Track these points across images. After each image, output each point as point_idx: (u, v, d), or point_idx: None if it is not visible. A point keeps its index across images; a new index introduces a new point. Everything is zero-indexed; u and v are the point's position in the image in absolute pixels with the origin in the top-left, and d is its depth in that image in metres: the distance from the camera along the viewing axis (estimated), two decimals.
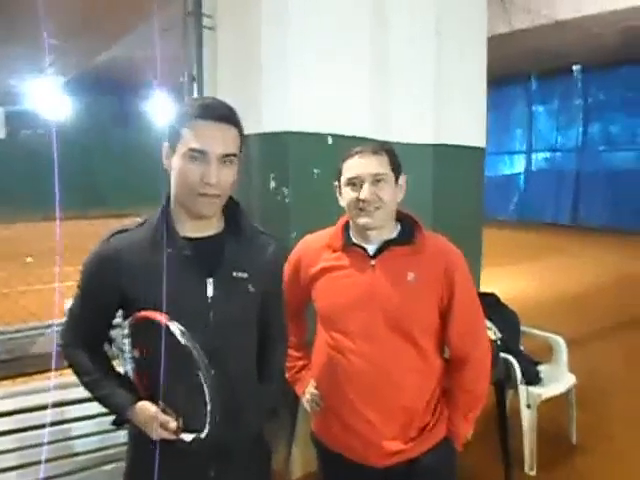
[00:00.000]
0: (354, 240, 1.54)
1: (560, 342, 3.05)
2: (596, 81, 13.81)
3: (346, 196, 1.50)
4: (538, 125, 15.49)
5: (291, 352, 1.69)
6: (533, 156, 15.65)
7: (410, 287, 1.47)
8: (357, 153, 1.48)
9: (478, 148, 3.32)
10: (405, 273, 1.48)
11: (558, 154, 15.05)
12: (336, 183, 1.56)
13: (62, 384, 2.12)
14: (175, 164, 1.23)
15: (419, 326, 1.49)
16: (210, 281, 1.27)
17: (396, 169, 1.51)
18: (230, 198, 1.34)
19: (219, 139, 1.22)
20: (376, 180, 1.45)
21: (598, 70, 13.37)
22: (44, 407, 2.10)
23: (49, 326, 2.63)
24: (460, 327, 1.52)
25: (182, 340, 1.13)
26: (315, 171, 2.49)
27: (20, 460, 2.01)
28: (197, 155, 1.20)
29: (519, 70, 13.67)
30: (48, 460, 2.04)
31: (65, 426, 2.12)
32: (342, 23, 2.56)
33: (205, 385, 1.13)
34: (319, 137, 2.50)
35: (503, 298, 3.12)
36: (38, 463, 2.02)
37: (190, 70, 2.62)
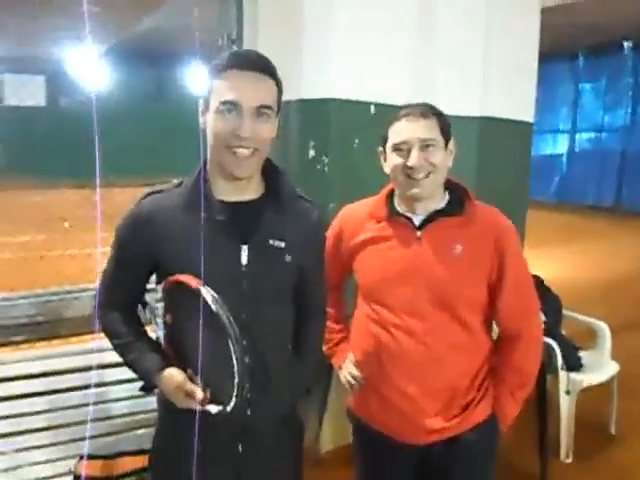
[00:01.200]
0: (399, 210, 1.46)
1: (604, 328, 2.93)
2: None
3: (392, 162, 1.41)
4: (584, 104, 14.92)
5: (330, 324, 1.63)
6: (577, 136, 15.11)
7: (457, 260, 1.40)
8: (404, 116, 1.39)
9: (526, 122, 3.16)
10: (452, 246, 1.40)
11: (603, 134, 14.49)
12: (380, 149, 1.48)
13: (96, 348, 2.12)
14: (209, 120, 1.17)
15: (465, 302, 1.42)
16: (245, 248, 1.21)
17: (446, 134, 1.42)
18: (269, 161, 1.27)
19: (253, 90, 1.14)
20: (425, 145, 1.37)
21: None
22: (78, 370, 2.12)
23: (84, 290, 2.65)
24: (511, 302, 1.44)
25: (213, 307, 1.08)
26: (356, 141, 2.41)
27: (53, 421, 2.02)
28: (230, 107, 1.13)
29: (566, 46, 13.11)
30: (80, 422, 2.06)
31: (99, 389, 2.13)
32: None
33: (234, 356, 1.07)
34: (362, 105, 2.41)
35: (547, 280, 3.01)
36: (70, 425, 2.05)
37: (230, 32, 2.54)
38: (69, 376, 2.10)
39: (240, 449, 1.26)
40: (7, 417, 1.98)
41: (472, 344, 1.46)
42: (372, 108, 2.42)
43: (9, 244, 7.03)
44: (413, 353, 1.42)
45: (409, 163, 1.36)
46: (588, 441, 2.81)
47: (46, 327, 2.56)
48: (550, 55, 13.17)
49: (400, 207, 1.47)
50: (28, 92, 16.22)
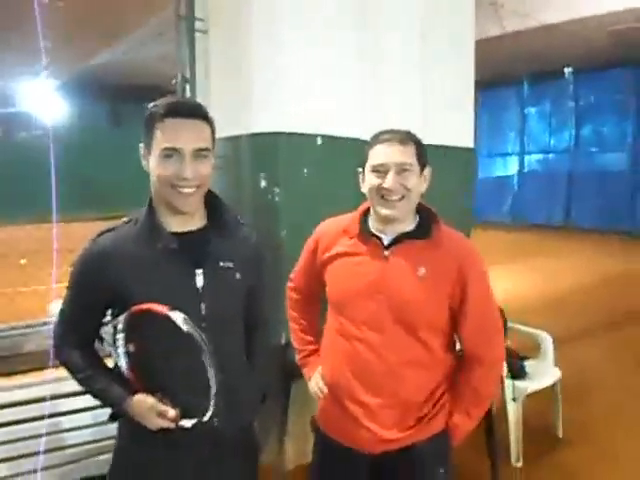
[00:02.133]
0: (371, 228, 1.54)
1: (546, 337, 3.13)
2: (587, 83, 13.92)
3: (369, 182, 1.48)
4: (530, 127, 15.61)
5: (302, 336, 1.73)
6: (526, 158, 15.75)
7: (420, 282, 1.46)
8: (385, 140, 1.47)
9: (467, 148, 3.37)
10: (416, 267, 1.47)
11: (551, 156, 15.16)
12: (360, 169, 1.54)
13: (56, 378, 2.16)
14: (152, 163, 1.28)
15: (425, 322, 1.47)
16: (199, 272, 1.32)
17: (422, 160, 1.50)
18: (210, 192, 1.38)
19: (190, 135, 1.25)
20: (402, 169, 1.44)
21: (589, 72, 13.50)
22: (37, 400, 2.15)
23: (43, 324, 2.67)
24: (472, 327, 1.50)
25: (184, 327, 1.18)
26: (305, 171, 2.54)
27: (13, 452, 2.05)
28: (171, 153, 1.24)
29: (511, 73, 13.77)
30: (43, 452, 2.08)
31: (57, 419, 2.16)
32: (329, 26, 2.62)
33: (209, 369, 1.18)
34: (309, 137, 2.55)
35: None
36: (31, 455, 2.07)
37: (183, 72, 2.68)
38: (27, 407, 2.12)
39: (206, 458, 1.35)
40: None
41: (430, 361, 1.51)
42: (319, 139, 2.57)
43: None
44: (372, 365, 1.48)
45: (385, 185, 1.43)
46: (537, 445, 2.96)
47: (6, 361, 2.58)
48: (497, 82, 13.81)
49: (372, 226, 1.54)
50: None
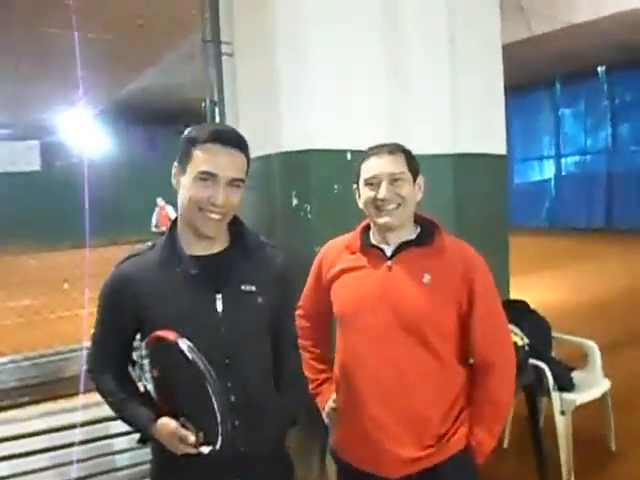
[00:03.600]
0: (372, 241, 1.54)
1: (593, 347, 3.00)
2: (621, 81, 13.61)
3: (364, 196, 1.50)
4: (565, 129, 15.29)
5: (314, 364, 1.70)
6: (562, 160, 15.42)
7: (426, 289, 1.45)
8: (374, 154, 1.50)
9: (499, 155, 3.30)
10: (421, 275, 1.46)
11: (588, 157, 14.80)
12: (355, 186, 1.56)
13: (95, 403, 2.19)
14: (185, 183, 1.30)
15: (435, 330, 1.45)
16: (219, 296, 1.32)
17: (413, 169, 1.51)
18: (233, 216, 1.38)
19: (229, 164, 1.28)
20: (394, 179, 1.46)
21: (623, 70, 13.17)
22: (80, 425, 2.18)
23: (82, 349, 2.72)
24: (482, 334, 1.48)
25: (189, 355, 1.18)
26: (335, 187, 2.53)
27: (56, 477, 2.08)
28: (207, 177, 1.26)
29: (542, 75, 13.57)
30: (85, 477, 2.11)
31: (98, 443, 2.18)
32: (356, 41, 2.62)
33: (213, 397, 1.16)
34: (338, 153, 2.54)
35: (535, 305, 3.08)
36: None
37: (211, 95, 2.71)
38: (71, 432, 2.15)
39: None
40: (11, 477, 2.04)
41: (444, 374, 1.49)
42: (348, 155, 2.56)
43: (11, 308, 7.10)
44: (384, 380, 1.46)
45: (379, 195, 1.45)
46: (589, 459, 2.84)
47: (46, 387, 2.63)
48: (528, 85, 13.61)
49: (374, 239, 1.54)
50: (23, 158, 16.56)
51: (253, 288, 1.36)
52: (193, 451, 1.24)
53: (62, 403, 2.44)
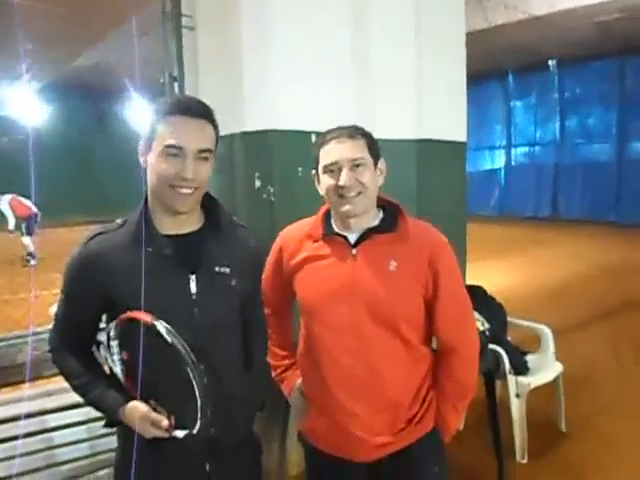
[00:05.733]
0: (335, 229, 1.49)
1: (546, 331, 3.09)
2: (572, 75, 14.02)
3: (324, 183, 1.44)
4: (516, 120, 15.67)
5: (276, 350, 1.67)
6: (513, 151, 15.82)
7: (392, 276, 1.42)
8: (333, 138, 1.42)
9: (460, 142, 3.34)
10: (387, 262, 1.43)
11: (537, 148, 15.24)
12: (314, 172, 1.50)
13: (49, 391, 2.09)
14: (152, 160, 1.23)
15: (403, 317, 1.43)
16: (193, 277, 1.27)
17: (374, 153, 1.45)
18: (207, 194, 1.34)
19: (195, 135, 1.22)
20: (355, 165, 1.40)
21: (573, 64, 13.58)
22: (29, 415, 2.08)
23: (35, 334, 2.59)
24: (447, 317, 1.47)
25: (168, 338, 1.14)
26: (299, 169, 2.48)
27: (6, 471, 1.98)
28: (174, 151, 1.21)
29: (496, 66, 13.81)
30: (38, 469, 2.01)
31: (53, 434, 2.09)
32: (322, 21, 2.57)
33: (194, 381, 1.13)
34: (303, 135, 2.49)
35: (488, 291, 3.16)
36: (26, 473, 1.99)
37: (171, 70, 2.60)
38: (22, 422, 2.05)
39: (207, 469, 1.31)
40: None
41: (412, 359, 1.48)
42: (313, 137, 2.51)
43: None
44: (354, 370, 1.43)
45: (340, 183, 1.39)
46: (541, 440, 2.93)
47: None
48: (482, 75, 13.84)
49: (336, 226, 1.49)
50: None
51: (227, 270, 1.32)
52: (165, 435, 1.20)
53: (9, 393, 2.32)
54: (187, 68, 2.65)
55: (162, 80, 2.61)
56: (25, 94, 12.66)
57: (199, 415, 1.14)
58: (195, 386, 1.13)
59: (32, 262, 9.01)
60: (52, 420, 2.07)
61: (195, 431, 1.16)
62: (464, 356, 1.52)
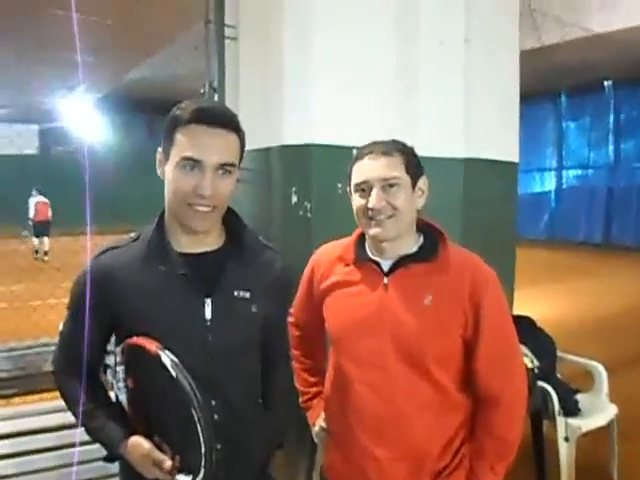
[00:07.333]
0: (369, 253, 1.36)
1: (600, 369, 2.85)
2: (628, 96, 13.52)
3: (354, 203, 1.32)
4: (569, 141, 15.20)
5: (304, 375, 1.56)
6: (564, 173, 15.33)
7: (427, 312, 1.28)
8: (366, 155, 1.30)
9: (511, 163, 3.16)
10: (422, 295, 1.28)
11: (590, 171, 14.72)
12: (348, 189, 1.38)
13: None
14: (168, 173, 1.13)
15: (435, 357, 1.28)
16: (208, 301, 1.15)
17: (413, 171, 1.31)
18: (230, 210, 1.22)
19: (216, 147, 1.10)
20: (388, 185, 1.27)
21: (630, 85, 13.08)
22: (53, 429, 2.02)
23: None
24: (488, 361, 1.30)
25: (173, 373, 1.02)
26: (339, 185, 2.38)
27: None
28: (191, 164, 1.09)
29: (548, 86, 13.46)
30: None
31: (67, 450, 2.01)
32: (367, 31, 2.47)
33: (199, 423, 1.00)
34: (343, 150, 2.38)
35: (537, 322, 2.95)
36: None
37: (211, 81, 2.55)
38: (42, 436, 1.99)
39: None
40: None
41: (443, 404, 1.32)
42: (354, 152, 2.40)
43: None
44: (377, 410, 1.30)
45: (369, 205, 1.26)
46: None
47: (23, 381, 2.46)
48: (533, 95, 13.50)
49: (370, 250, 1.37)
50: (23, 141, 16.42)
51: (247, 295, 1.19)
52: (167, 477, 1.07)
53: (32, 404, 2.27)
54: (228, 79, 2.60)
55: (202, 91, 2.56)
56: (80, 105, 13.11)
57: (202, 462, 1.02)
58: (199, 430, 1.01)
59: (45, 258, 10.22)
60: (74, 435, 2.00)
61: (199, 478, 1.03)
62: (508, 408, 1.33)
